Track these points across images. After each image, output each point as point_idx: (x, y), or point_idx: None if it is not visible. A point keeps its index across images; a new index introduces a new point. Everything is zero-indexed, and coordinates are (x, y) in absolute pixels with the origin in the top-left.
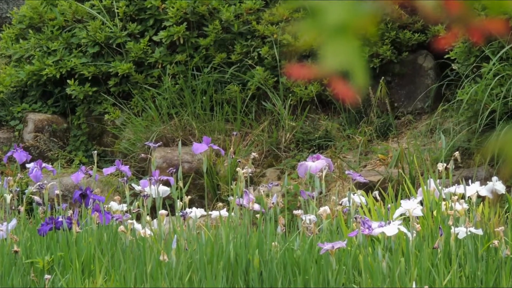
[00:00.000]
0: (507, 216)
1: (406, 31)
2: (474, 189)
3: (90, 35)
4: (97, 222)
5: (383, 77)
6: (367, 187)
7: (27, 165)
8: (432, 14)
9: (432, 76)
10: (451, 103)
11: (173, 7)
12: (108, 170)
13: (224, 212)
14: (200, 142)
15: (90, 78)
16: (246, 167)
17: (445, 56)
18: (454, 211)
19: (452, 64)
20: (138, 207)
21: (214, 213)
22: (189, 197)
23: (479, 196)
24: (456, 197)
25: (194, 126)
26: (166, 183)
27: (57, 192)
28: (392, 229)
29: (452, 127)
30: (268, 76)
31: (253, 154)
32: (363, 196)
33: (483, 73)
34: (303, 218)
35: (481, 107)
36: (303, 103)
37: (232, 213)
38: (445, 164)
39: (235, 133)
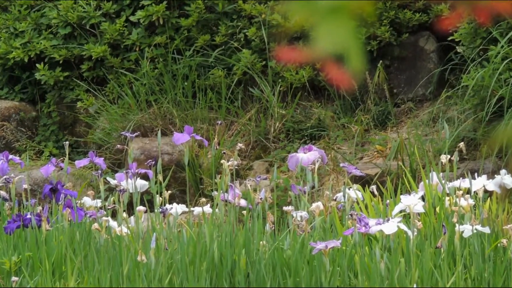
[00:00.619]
0: None
1: (406, 11)
2: (480, 183)
3: (61, 15)
4: (69, 219)
5: (381, 61)
6: (363, 181)
7: None
8: None
9: (435, 60)
10: (455, 90)
11: None
12: (81, 162)
13: (207, 209)
14: (182, 132)
15: (61, 62)
16: (231, 159)
17: (449, 38)
18: (459, 207)
19: (457, 47)
20: (114, 203)
21: (197, 210)
22: (169, 192)
23: (486, 191)
24: (461, 192)
25: (174, 115)
26: (144, 177)
27: (25, 186)
28: (391, 227)
29: (457, 116)
30: (255, 60)
31: (239, 145)
32: (359, 190)
33: (491, 56)
34: (294, 215)
35: (488, 93)
36: (294, 89)
37: (216, 210)
38: (449, 156)
39: (219, 122)
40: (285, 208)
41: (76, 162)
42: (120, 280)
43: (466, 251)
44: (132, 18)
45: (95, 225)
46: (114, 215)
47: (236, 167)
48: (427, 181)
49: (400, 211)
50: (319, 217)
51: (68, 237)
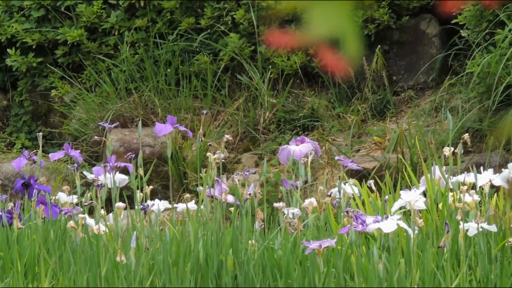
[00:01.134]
0: None
1: None
2: (486, 177)
3: None
4: (43, 216)
5: (379, 46)
6: (360, 176)
7: None
8: None
9: (437, 45)
10: (459, 77)
11: None
12: (56, 155)
13: (192, 205)
14: (164, 122)
15: (34, 47)
16: (218, 151)
17: (453, 21)
18: (463, 203)
19: (461, 31)
20: (91, 199)
21: (181, 206)
22: (151, 187)
23: (492, 186)
24: (465, 187)
25: (156, 104)
26: (124, 171)
27: None
28: (390, 224)
29: (461, 105)
30: (244, 45)
31: (227, 136)
32: (355, 186)
33: (497, 41)
34: (285, 212)
35: (494, 81)
36: (285, 77)
37: (202, 206)
38: (452, 148)
39: (205, 111)
40: (275, 204)
41: (50, 155)
42: (97, 282)
43: (471, 251)
44: (110, 0)
45: (71, 223)
46: (91, 212)
47: (223, 160)
48: (429, 175)
49: (400, 208)
50: (313, 214)
51: (42, 236)
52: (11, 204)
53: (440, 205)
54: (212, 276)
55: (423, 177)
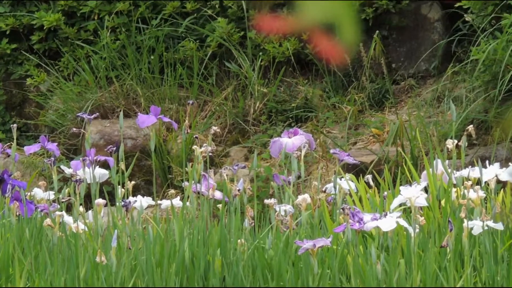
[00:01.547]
0: None
1: None
2: (492, 172)
3: None
4: (17, 214)
5: (377, 31)
6: (357, 170)
7: None
8: None
9: (440, 30)
10: (463, 64)
11: None
12: (31, 148)
13: (177, 202)
14: (147, 113)
15: (8, 32)
16: (205, 144)
17: (456, 5)
18: (468, 200)
19: (465, 15)
20: (69, 195)
21: (165, 203)
22: (133, 182)
23: (499, 181)
24: (470, 183)
25: (139, 93)
26: (104, 165)
27: None
28: (389, 222)
29: (465, 94)
30: (232, 30)
31: (214, 128)
32: (352, 181)
33: (504, 26)
34: (277, 209)
35: (501, 68)
36: (277, 64)
37: (187, 203)
38: (456, 141)
39: (191, 101)
40: (266, 201)
41: (26, 148)
42: (76, 283)
43: (476, 251)
44: None
45: (48, 221)
46: (69, 209)
47: (210, 154)
48: (430, 170)
49: (400, 205)
50: (306, 211)
51: (16, 234)
52: None
53: (442, 202)
54: (198, 277)
55: (425, 172)
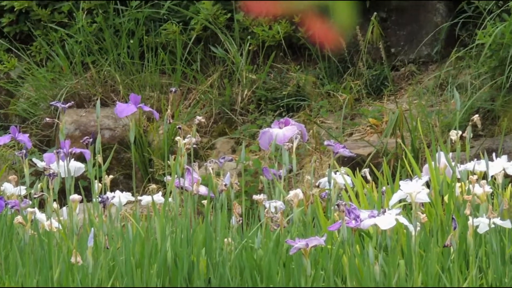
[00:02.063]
0: None
1: None
2: (499, 165)
3: None
4: None
5: (375, 13)
6: (353, 163)
7: None
8: None
9: (443, 12)
10: (468, 49)
11: None
12: (1, 140)
13: (158, 197)
14: (126, 102)
15: None
16: (188, 135)
17: None
18: (473, 195)
19: None
20: (42, 191)
21: (145, 199)
22: (111, 176)
23: (506, 176)
24: (475, 177)
25: (117, 80)
26: (80, 158)
27: None
28: (387, 220)
29: (470, 81)
30: (218, 12)
31: (199, 118)
32: (348, 175)
33: None
34: (267, 206)
35: (509, 53)
36: (267, 49)
37: (170, 199)
38: (460, 132)
39: (173, 89)
40: (255, 197)
41: None
42: (49, 285)
43: (482, 251)
44: None
45: (18, 218)
46: (42, 205)
47: (194, 146)
48: (432, 163)
49: (399, 201)
50: (298, 208)
51: None
52: None
53: (446, 198)
54: (182, 279)
55: (426, 165)
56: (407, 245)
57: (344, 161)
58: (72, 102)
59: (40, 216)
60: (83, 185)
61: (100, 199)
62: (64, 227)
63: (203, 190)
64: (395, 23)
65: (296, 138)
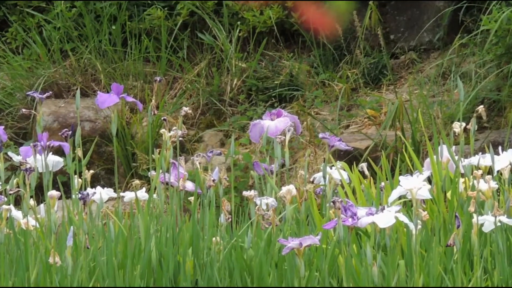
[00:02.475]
0: None
1: None
2: (506, 159)
3: None
4: None
5: None
6: (350, 157)
7: None
8: None
9: None
10: (472, 35)
11: None
12: None
13: (142, 194)
14: (108, 92)
15: None
16: (174, 128)
17: None
18: (477, 191)
19: None
20: (18, 186)
21: (128, 195)
22: (91, 171)
23: None
24: (480, 172)
25: (98, 69)
26: (59, 151)
27: None
28: (386, 218)
29: (475, 70)
30: None
31: (185, 109)
32: (344, 170)
33: None
34: (258, 202)
35: None
36: (258, 35)
37: (154, 195)
38: (464, 124)
39: (158, 78)
40: (245, 193)
41: None
42: (26, 287)
43: (487, 251)
44: None
45: None
46: (18, 202)
47: (180, 139)
48: (434, 157)
49: (399, 198)
50: (291, 205)
51: None
52: None
53: (448, 194)
54: (167, 281)
55: (428, 160)
56: (408, 245)
57: (340, 155)
58: (50, 92)
59: (16, 213)
60: (61, 181)
61: (80, 195)
62: (41, 225)
63: (189, 186)
64: (394, 8)
65: (289, 131)
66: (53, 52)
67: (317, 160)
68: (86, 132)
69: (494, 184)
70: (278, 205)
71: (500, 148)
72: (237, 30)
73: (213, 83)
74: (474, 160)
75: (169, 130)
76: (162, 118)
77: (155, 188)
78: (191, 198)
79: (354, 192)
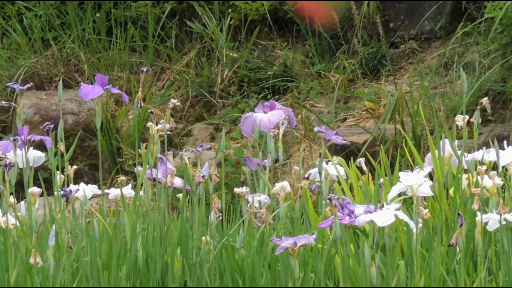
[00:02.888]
0: None
1: None
2: (511, 154)
3: None
4: None
5: None
6: (347, 152)
7: None
8: None
9: None
10: (476, 23)
11: None
12: None
13: (128, 191)
14: (92, 83)
15: None
16: (162, 121)
17: None
18: (481, 188)
19: None
20: None
21: (113, 192)
22: (74, 167)
23: None
24: (484, 167)
25: (82, 59)
26: (40, 146)
27: None
28: (385, 216)
29: (478, 60)
30: None
31: (173, 101)
32: (341, 165)
33: None
34: (250, 200)
35: None
36: (250, 24)
37: (141, 192)
38: (467, 117)
39: (145, 68)
40: (237, 190)
41: None
42: None
43: (492, 251)
44: None
45: None
46: None
47: (168, 132)
48: (436, 152)
49: (399, 195)
50: (285, 202)
51: None
52: None
53: (451, 191)
54: (154, 282)
55: (429, 155)
56: (408, 244)
57: (336, 150)
58: (31, 84)
59: None
60: (43, 177)
61: (62, 192)
62: (22, 224)
63: (178, 182)
64: None
65: (282, 124)
66: (34, 41)
67: (312, 155)
68: (69, 125)
69: (499, 181)
70: (271, 202)
71: (505, 142)
72: (228, 18)
73: (202, 74)
74: (478, 155)
75: (157, 124)
76: (149, 111)
77: (141, 185)
78: (180, 195)
79: (351, 189)
